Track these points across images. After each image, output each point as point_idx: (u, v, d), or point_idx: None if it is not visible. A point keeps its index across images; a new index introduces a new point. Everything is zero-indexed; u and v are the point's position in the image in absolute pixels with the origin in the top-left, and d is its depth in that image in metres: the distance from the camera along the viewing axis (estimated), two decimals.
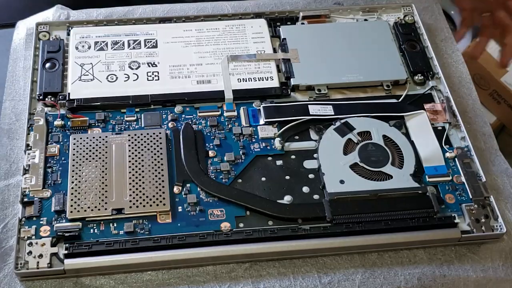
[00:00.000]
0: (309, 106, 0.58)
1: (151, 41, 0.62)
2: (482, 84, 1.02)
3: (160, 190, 0.51)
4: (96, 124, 0.56)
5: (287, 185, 0.53)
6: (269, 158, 0.55)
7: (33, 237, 0.49)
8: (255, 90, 0.59)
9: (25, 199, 0.51)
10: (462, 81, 0.64)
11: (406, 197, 0.53)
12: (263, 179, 0.54)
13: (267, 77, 0.60)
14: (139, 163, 0.53)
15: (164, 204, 0.51)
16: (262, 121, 0.57)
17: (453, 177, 0.55)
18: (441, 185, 0.54)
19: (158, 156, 0.53)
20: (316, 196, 0.53)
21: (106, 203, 0.50)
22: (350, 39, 0.63)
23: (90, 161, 0.52)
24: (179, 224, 0.50)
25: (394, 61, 0.62)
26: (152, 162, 0.53)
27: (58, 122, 0.56)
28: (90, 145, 0.53)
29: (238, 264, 0.50)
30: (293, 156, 0.55)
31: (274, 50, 0.63)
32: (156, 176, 0.52)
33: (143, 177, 0.52)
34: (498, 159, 0.58)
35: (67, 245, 0.48)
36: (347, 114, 0.58)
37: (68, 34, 0.62)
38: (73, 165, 0.52)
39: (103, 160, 0.52)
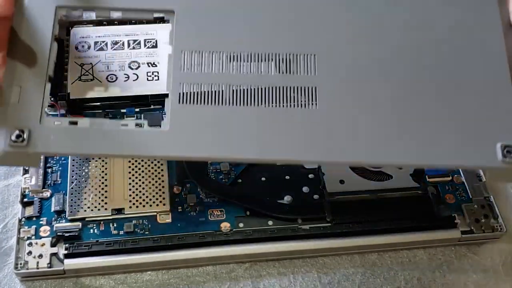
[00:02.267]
0: None
1: (151, 41, 0.62)
2: None
3: (160, 190, 0.51)
4: None
5: (287, 185, 0.53)
6: None
7: (33, 237, 0.49)
8: None
9: (25, 199, 0.51)
10: None
11: (406, 197, 0.53)
12: (263, 179, 0.54)
13: None
14: (139, 163, 0.53)
15: (164, 204, 0.51)
16: None
17: (453, 177, 0.55)
18: (441, 185, 0.54)
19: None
20: (316, 196, 0.53)
21: (106, 203, 0.50)
22: None
23: (90, 161, 0.52)
24: (179, 224, 0.50)
25: None
26: (152, 162, 0.53)
27: None
28: None
29: (238, 264, 0.50)
30: None
31: None
32: (156, 176, 0.52)
33: (143, 177, 0.52)
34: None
35: (67, 245, 0.48)
36: None
37: (68, 34, 0.62)
38: (73, 165, 0.52)
39: (103, 160, 0.52)
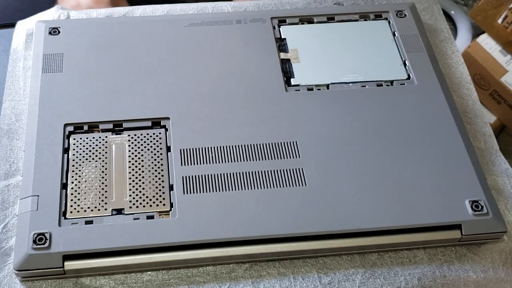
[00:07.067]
0: None
1: None
2: (483, 84, 1.02)
3: (160, 190, 0.51)
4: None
5: None
6: None
7: None
8: None
9: None
10: (462, 81, 0.64)
11: None
12: None
13: None
14: (139, 163, 0.53)
15: (164, 204, 0.51)
16: None
17: None
18: None
19: (158, 156, 0.53)
20: None
21: (106, 203, 0.50)
22: (350, 39, 0.63)
23: (90, 161, 0.52)
24: None
25: (394, 61, 0.62)
26: (152, 162, 0.53)
27: None
28: (90, 145, 0.53)
29: (238, 264, 0.50)
30: None
31: None
32: (156, 176, 0.52)
33: (143, 177, 0.52)
34: (498, 159, 0.58)
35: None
36: None
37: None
38: (73, 165, 0.52)
39: (103, 160, 0.52)
